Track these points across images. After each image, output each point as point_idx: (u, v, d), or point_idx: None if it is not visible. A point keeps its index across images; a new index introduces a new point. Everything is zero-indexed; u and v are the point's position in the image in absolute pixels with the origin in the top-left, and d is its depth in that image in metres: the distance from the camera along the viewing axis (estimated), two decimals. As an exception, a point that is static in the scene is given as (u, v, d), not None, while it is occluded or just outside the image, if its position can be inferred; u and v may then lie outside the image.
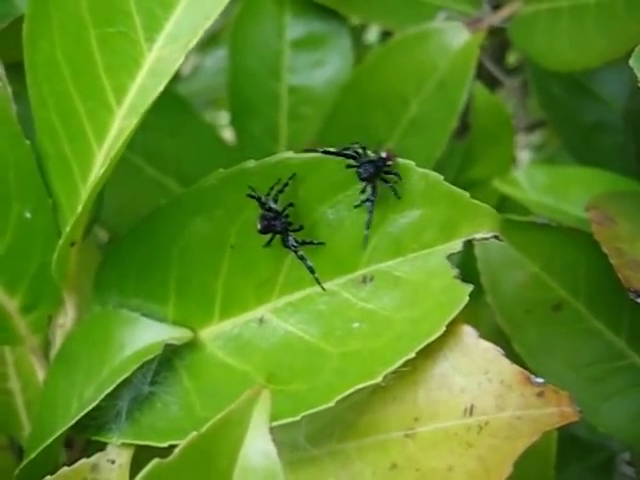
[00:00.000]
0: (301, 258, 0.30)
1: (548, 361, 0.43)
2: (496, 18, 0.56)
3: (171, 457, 0.23)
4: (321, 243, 0.31)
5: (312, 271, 0.30)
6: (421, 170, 0.30)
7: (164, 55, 0.28)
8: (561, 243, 0.43)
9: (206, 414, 0.30)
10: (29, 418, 0.39)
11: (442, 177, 0.30)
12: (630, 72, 0.32)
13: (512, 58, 0.91)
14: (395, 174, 0.30)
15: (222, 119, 0.89)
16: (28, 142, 0.34)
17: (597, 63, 0.48)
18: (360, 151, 0.31)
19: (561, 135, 0.62)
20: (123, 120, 0.31)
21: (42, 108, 0.33)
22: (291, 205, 0.31)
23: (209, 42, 0.79)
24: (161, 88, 0.28)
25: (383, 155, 0.31)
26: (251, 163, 0.32)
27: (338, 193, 0.31)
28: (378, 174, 0.30)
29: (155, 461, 0.22)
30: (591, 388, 0.42)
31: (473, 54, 0.53)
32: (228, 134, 0.68)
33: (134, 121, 0.28)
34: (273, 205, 0.31)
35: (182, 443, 0.23)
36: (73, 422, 0.32)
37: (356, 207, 0.31)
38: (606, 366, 0.42)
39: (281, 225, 0.31)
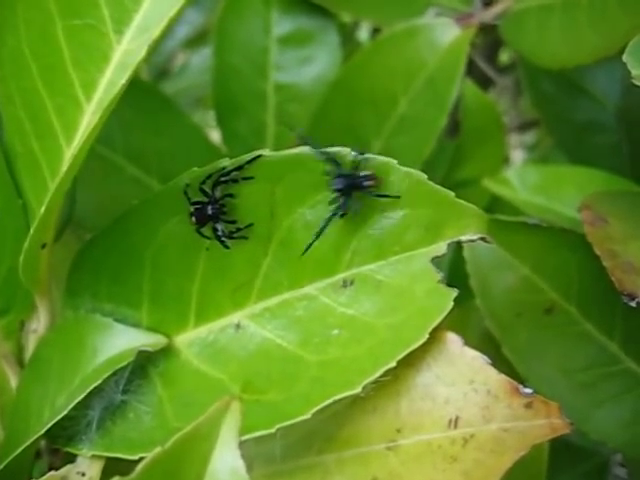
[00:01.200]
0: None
1: (539, 366, 0.42)
2: (487, 15, 0.55)
3: (133, 475, 0.21)
4: (250, 225, 0.30)
5: None
6: (404, 169, 0.29)
7: (132, 48, 0.27)
8: (552, 244, 0.42)
9: (179, 425, 0.29)
10: (2, 425, 0.38)
11: (426, 176, 0.29)
12: (623, 70, 0.31)
13: (505, 57, 0.90)
14: (377, 196, 0.29)
15: (212, 119, 0.87)
16: (-4, 141, 0.33)
17: (589, 60, 0.47)
18: (348, 157, 0.29)
19: (554, 134, 0.61)
20: (92, 116, 0.29)
21: (10, 105, 0.32)
22: (230, 196, 0.30)
23: (197, 39, 0.78)
24: (124, 81, 0.26)
25: (367, 173, 0.29)
26: (226, 161, 0.30)
27: (318, 193, 0.30)
28: (352, 189, 0.29)
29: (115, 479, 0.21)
30: (583, 394, 0.41)
31: (463, 51, 0.52)
32: (217, 135, 0.67)
33: (99, 115, 0.27)
34: (212, 192, 0.31)
35: (145, 459, 0.22)
36: (43, 431, 0.31)
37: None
38: (598, 371, 0.41)
39: (212, 210, 0.30)
